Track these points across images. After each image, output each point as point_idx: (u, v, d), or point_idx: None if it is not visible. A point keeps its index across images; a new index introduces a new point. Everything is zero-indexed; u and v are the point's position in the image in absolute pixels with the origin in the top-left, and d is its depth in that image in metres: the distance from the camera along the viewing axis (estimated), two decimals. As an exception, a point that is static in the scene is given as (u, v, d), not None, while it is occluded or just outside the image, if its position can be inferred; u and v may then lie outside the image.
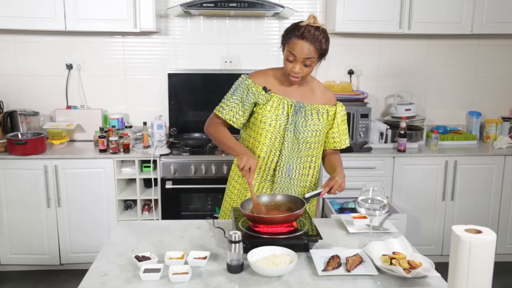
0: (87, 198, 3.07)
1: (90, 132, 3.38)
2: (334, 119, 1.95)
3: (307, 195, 1.81)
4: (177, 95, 3.47)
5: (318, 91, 1.94)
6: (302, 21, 1.77)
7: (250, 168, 1.70)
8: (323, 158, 2.04)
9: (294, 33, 1.76)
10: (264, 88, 1.88)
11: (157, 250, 1.58)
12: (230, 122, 1.90)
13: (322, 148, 1.99)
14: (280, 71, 1.91)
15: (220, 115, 1.90)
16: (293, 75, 1.81)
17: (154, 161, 3.03)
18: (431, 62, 3.66)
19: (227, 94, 1.93)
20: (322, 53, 1.79)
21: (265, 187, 1.94)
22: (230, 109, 1.89)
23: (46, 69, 3.46)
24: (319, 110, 1.91)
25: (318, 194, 1.82)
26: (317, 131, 1.90)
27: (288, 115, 1.87)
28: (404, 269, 1.39)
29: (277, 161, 1.90)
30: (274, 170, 1.91)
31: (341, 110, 1.97)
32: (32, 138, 3.04)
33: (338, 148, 2.01)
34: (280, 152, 1.89)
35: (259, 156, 1.90)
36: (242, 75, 1.93)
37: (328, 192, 1.78)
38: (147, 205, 3.26)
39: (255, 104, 1.90)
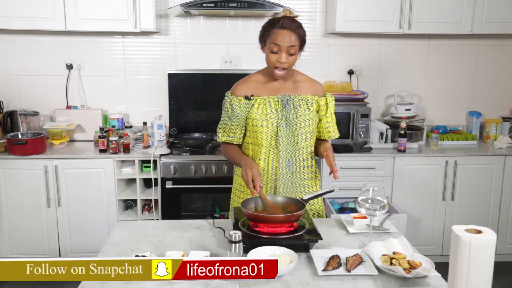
0: (87, 198, 3.06)
1: (90, 132, 3.38)
2: (327, 109, 1.96)
3: (305, 197, 1.82)
4: (177, 95, 3.47)
5: (305, 83, 1.96)
6: (277, 15, 1.81)
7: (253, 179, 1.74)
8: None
9: (274, 25, 1.83)
10: (246, 97, 1.90)
11: (157, 250, 1.58)
12: (228, 142, 1.96)
13: (315, 137, 2.01)
14: (264, 72, 1.94)
15: (218, 139, 1.99)
16: (279, 66, 1.83)
17: (154, 161, 3.03)
18: (431, 62, 3.66)
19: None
20: (302, 41, 1.85)
21: (269, 187, 1.94)
22: (223, 131, 1.97)
23: (46, 69, 3.46)
24: (307, 100, 1.92)
25: (317, 196, 1.84)
26: (309, 120, 1.91)
27: (277, 111, 1.89)
28: (404, 269, 1.39)
29: (277, 159, 1.91)
30: (276, 168, 1.92)
31: (331, 100, 1.99)
32: (32, 138, 3.03)
33: (332, 138, 2.02)
34: (277, 149, 1.90)
35: (259, 159, 1.92)
36: (226, 93, 1.97)
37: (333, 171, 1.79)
38: (147, 205, 3.25)
39: (247, 115, 1.91)
